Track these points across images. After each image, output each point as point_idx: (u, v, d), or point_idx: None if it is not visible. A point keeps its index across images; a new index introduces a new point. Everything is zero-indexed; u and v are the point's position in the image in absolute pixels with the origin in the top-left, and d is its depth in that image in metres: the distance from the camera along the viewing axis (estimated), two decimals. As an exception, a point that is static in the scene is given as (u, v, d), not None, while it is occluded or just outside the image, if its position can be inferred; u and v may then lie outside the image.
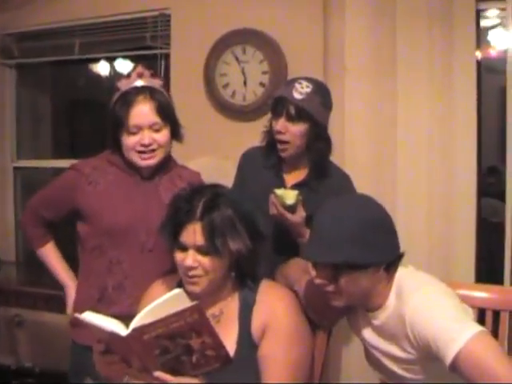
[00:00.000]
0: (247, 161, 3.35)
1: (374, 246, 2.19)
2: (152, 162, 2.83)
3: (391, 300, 2.29)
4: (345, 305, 2.32)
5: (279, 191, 2.95)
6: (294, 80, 3.10)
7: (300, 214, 2.95)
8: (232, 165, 3.47)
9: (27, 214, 3.06)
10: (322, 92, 3.10)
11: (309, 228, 2.71)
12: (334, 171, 3.23)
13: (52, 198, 2.98)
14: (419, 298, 2.17)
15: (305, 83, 3.04)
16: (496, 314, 2.67)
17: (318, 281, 2.27)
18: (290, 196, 2.94)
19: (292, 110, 3.00)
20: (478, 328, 2.03)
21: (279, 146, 3.10)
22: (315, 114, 3.03)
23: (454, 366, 2.00)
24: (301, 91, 3.01)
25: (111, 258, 2.85)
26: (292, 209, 2.94)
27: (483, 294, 2.67)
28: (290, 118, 3.02)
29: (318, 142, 3.10)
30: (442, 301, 2.16)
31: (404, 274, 2.31)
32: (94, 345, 2.12)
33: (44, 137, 6.14)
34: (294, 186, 3.11)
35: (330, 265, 2.21)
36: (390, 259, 2.27)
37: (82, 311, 2.16)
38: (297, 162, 3.17)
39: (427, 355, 2.15)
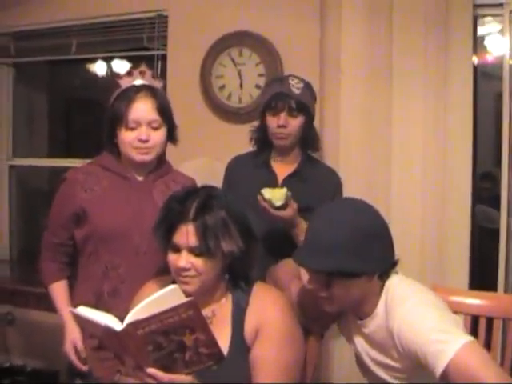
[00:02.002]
0: (234, 168, 3.48)
1: (368, 254, 2.18)
2: (147, 157, 2.85)
3: (380, 308, 2.28)
4: (337, 311, 2.34)
5: (267, 194, 2.99)
6: (285, 77, 3.32)
7: (292, 208, 3.01)
8: (226, 166, 3.49)
9: (44, 250, 3.01)
10: (310, 86, 3.32)
11: (303, 218, 2.96)
12: (320, 163, 3.48)
13: (59, 217, 2.95)
14: (406, 310, 2.16)
15: (296, 79, 3.26)
16: (489, 321, 2.67)
17: (310, 286, 2.27)
18: (277, 197, 2.97)
19: (293, 104, 3.18)
20: (466, 338, 2.01)
21: (278, 136, 3.25)
22: (310, 106, 3.27)
23: (445, 377, 1.99)
24: (297, 86, 3.22)
25: (107, 262, 2.85)
26: (283, 207, 2.99)
27: (477, 300, 2.68)
28: (291, 112, 3.19)
29: (311, 133, 3.33)
30: (429, 312, 2.14)
31: (393, 283, 2.30)
32: (87, 340, 2.11)
33: (40, 135, 6.14)
34: (287, 178, 3.26)
35: (323, 271, 2.20)
36: (384, 268, 2.27)
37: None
38: (287, 155, 3.33)
39: (416, 365, 2.13)
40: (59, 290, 2.96)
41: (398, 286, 2.28)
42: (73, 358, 2.85)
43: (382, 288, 2.29)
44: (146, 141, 2.80)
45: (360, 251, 2.16)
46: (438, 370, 1.98)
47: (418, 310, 2.15)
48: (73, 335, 2.85)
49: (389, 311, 2.22)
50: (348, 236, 2.16)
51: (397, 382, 2.30)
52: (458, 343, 1.98)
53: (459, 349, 1.97)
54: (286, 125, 3.19)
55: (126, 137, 2.81)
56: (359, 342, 2.43)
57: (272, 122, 3.23)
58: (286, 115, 3.19)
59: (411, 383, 2.28)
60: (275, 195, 2.98)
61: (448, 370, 1.96)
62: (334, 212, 2.30)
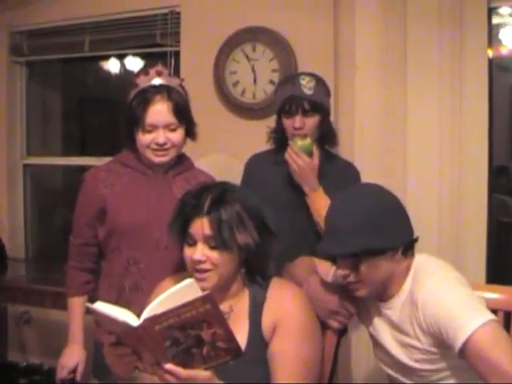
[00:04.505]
0: (253, 166, 3.48)
1: (389, 230, 2.27)
2: (165, 159, 2.86)
3: (407, 285, 2.34)
4: (368, 294, 2.38)
5: (298, 141, 3.16)
6: (296, 77, 3.28)
7: (315, 160, 3.15)
8: (241, 163, 3.48)
9: (70, 257, 3.03)
10: (322, 82, 3.28)
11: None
12: (338, 158, 3.47)
13: (84, 216, 2.97)
14: (433, 283, 2.23)
15: (307, 78, 3.22)
16: (507, 315, 2.65)
17: (339, 272, 2.33)
18: (304, 139, 3.16)
19: (307, 106, 3.15)
20: (489, 317, 2.08)
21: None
22: (325, 104, 3.24)
23: (462, 353, 2.06)
24: (308, 86, 3.17)
25: (128, 258, 2.87)
26: (308, 151, 3.14)
27: (494, 294, 2.65)
28: (305, 113, 3.17)
29: (329, 129, 3.32)
30: (456, 288, 2.21)
31: (422, 260, 2.37)
32: (105, 336, 2.11)
33: (54, 134, 6.15)
34: None
35: (349, 255, 2.27)
36: (406, 241, 2.35)
37: None
38: None
39: (438, 342, 2.20)
40: (77, 308, 3.00)
41: (426, 262, 2.36)
42: (62, 374, 2.96)
43: (407, 268, 2.36)
44: (163, 144, 2.81)
45: (380, 228, 2.25)
46: (457, 344, 2.05)
47: (445, 284, 2.22)
48: (77, 357, 2.99)
49: (418, 282, 2.29)
50: (365, 215, 2.25)
51: (418, 365, 2.32)
52: (480, 320, 2.04)
53: (480, 326, 2.03)
54: (302, 126, 3.17)
55: (144, 139, 2.82)
56: (381, 325, 2.47)
57: (288, 124, 3.22)
58: (301, 117, 3.17)
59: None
60: (302, 139, 3.16)
61: (466, 346, 2.03)
62: (348, 197, 2.40)
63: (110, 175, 2.92)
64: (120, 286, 2.88)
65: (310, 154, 3.14)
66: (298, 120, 3.16)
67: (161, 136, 2.79)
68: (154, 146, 2.81)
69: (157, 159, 2.85)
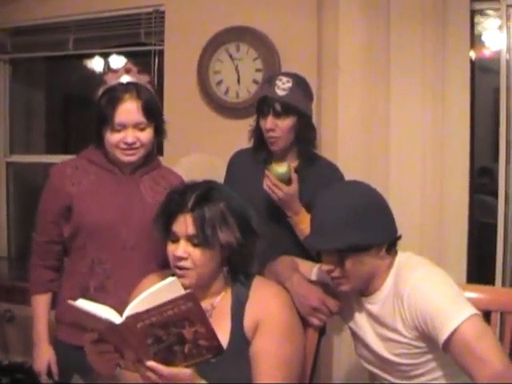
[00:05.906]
0: (236, 163, 3.43)
1: (375, 227, 2.32)
2: (133, 158, 2.82)
3: (389, 281, 2.39)
4: (351, 289, 2.42)
5: (273, 166, 3.07)
6: (274, 77, 3.19)
7: (294, 186, 3.06)
8: (224, 162, 3.47)
9: (34, 255, 2.99)
10: (302, 84, 3.20)
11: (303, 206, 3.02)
12: (321, 160, 3.36)
13: (48, 213, 2.93)
14: (419, 276, 2.29)
15: (285, 78, 3.14)
16: (487, 315, 2.67)
17: (325, 267, 2.37)
18: (281, 165, 3.06)
19: (278, 107, 3.09)
20: (474, 311, 2.14)
21: (270, 141, 3.18)
22: (300, 106, 3.13)
23: (447, 345, 2.11)
24: (283, 87, 3.10)
25: (93, 258, 2.83)
26: (286, 178, 3.05)
27: (474, 294, 2.67)
28: (278, 115, 3.10)
29: (306, 132, 3.21)
30: (442, 281, 2.28)
31: (406, 257, 2.43)
32: (86, 334, 2.10)
33: (37, 132, 6.13)
34: None
35: (335, 251, 2.31)
36: (391, 238, 2.40)
37: (65, 311, 2.16)
38: (285, 154, 3.24)
39: (420, 335, 2.25)
40: (42, 305, 2.97)
41: (410, 258, 2.43)
42: (44, 377, 2.92)
43: (390, 264, 2.41)
44: (132, 143, 2.77)
45: (366, 225, 2.30)
46: (443, 336, 2.11)
47: (431, 278, 2.29)
48: (47, 356, 2.93)
49: (402, 277, 2.33)
50: (351, 212, 2.30)
51: (397, 359, 2.37)
52: (466, 314, 2.12)
53: (466, 319, 2.10)
54: (273, 128, 3.11)
55: (112, 138, 2.77)
56: (362, 319, 2.51)
57: (262, 124, 3.18)
58: (273, 118, 3.11)
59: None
60: (279, 164, 3.08)
61: (452, 337, 2.09)
62: (335, 194, 2.44)
63: (76, 172, 2.88)
64: (84, 285, 2.83)
65: (287, 180, 3.06)
66: (269, 121, 3.11)
67: (130, 135, 2.76)
68: (123, 146, 2.77)
69: (125, 158, 2.81)
